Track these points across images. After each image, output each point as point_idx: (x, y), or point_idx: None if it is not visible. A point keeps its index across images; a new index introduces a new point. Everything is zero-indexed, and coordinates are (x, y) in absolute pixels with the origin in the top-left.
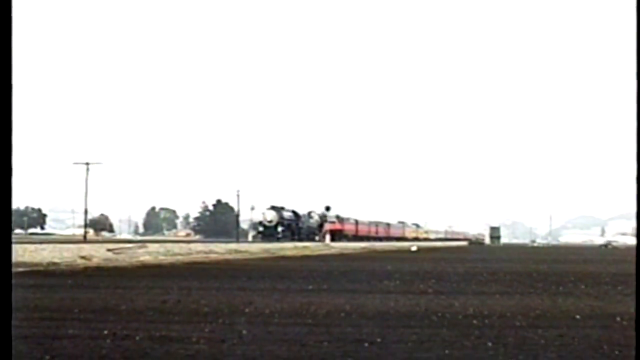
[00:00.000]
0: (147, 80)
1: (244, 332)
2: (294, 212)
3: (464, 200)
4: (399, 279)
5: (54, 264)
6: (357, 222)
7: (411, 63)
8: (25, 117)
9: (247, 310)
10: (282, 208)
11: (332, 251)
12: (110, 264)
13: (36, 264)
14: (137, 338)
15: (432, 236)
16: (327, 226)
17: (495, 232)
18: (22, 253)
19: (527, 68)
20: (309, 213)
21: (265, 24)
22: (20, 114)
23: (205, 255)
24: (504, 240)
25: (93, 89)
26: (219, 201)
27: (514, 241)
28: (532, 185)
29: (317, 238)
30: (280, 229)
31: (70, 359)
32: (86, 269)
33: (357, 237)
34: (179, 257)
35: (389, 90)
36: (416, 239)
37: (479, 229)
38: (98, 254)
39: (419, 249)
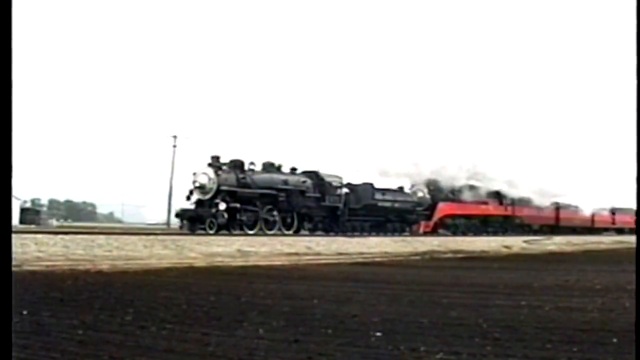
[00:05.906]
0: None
1: (627, 304)
2: (313, 172)
3: None
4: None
5: (484, 252)
6: (558, 207)
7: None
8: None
9: (628, 287)
10: (250, 164)
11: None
12: (525, 252)
13: (471, 252)
14: (546, 308)
15: None
16: (441, 207)
17: None
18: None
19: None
20: (412, 187)
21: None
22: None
23: (596, 245)
24: None
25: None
26: None
27: None
28: None
29: (421, 230)
30: (222, 206)
31: (498, 322)
32: (508, 255)
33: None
34: (576, 247)
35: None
36: None
37: None
38: (516, 244)
39: None
